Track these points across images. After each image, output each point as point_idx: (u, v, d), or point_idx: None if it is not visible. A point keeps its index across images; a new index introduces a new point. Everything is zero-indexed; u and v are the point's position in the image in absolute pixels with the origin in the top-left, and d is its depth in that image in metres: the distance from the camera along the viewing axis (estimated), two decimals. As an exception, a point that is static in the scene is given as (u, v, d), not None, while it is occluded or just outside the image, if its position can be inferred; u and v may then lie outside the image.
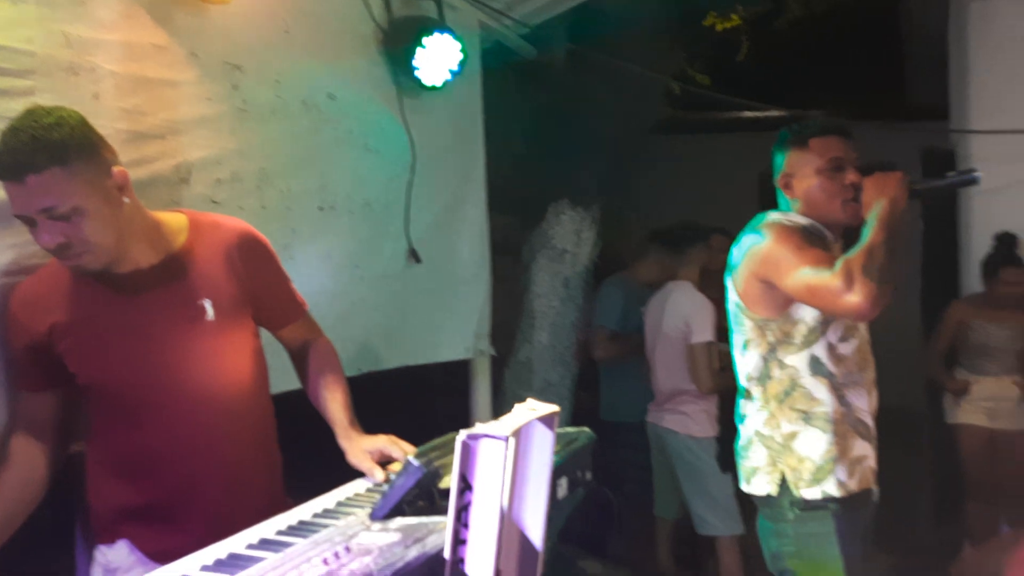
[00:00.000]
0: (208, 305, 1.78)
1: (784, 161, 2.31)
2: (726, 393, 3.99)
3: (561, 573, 4.09)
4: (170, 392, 1.74)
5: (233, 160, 2.36)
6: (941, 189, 2.23)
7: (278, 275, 1.98)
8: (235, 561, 1.31)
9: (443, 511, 1.53)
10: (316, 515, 1.54)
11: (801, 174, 2.26)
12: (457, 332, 3.68)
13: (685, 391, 3.88)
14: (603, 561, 4.24)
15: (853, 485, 2.15)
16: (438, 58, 3.06)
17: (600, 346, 4.33)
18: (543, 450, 1.46)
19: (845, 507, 2.12)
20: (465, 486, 1.27)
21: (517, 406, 1.46)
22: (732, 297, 2.28)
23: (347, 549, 1.23)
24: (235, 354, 1.84)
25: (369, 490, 1.73)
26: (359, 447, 1.85)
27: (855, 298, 1.94)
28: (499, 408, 4.20)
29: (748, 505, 4.14)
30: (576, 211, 4.19)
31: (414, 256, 3.28)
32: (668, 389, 3.95)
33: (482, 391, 4.00)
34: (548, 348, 4.26)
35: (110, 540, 1.80)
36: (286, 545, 1.34)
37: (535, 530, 1.48)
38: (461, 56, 3.12)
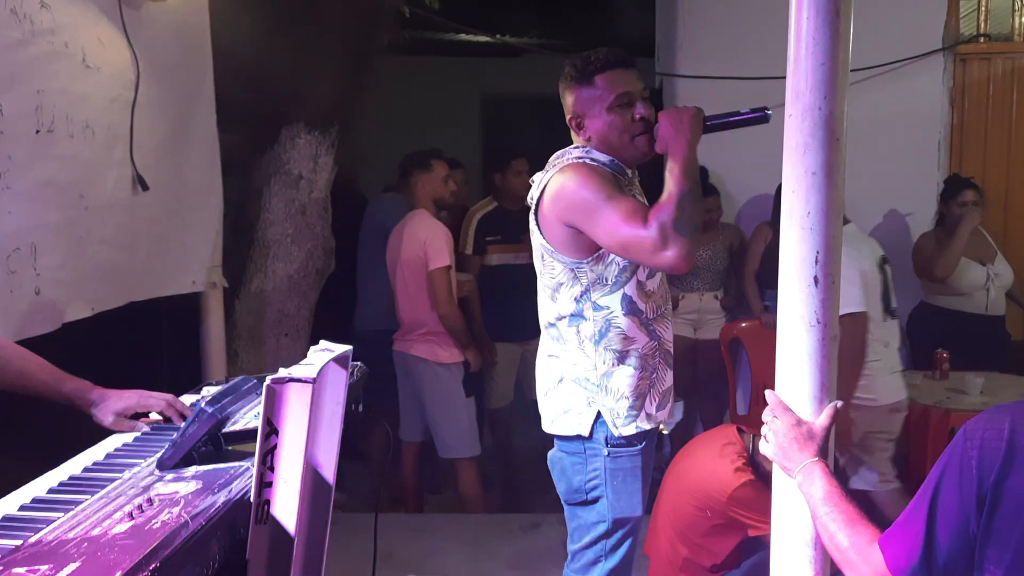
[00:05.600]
0: None
1: (572, 101, 2.21)
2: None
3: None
4: None
5: (-66, 77, 2.04)
6: (734, 124, 2.12)
7: None
8: (17, 524, 1.20)
9: (230, 456, 1.50)
10: (89, 469, 1.44)
11: (591, 113, 2.17)
12: (188, 263, 3.49)
13: (429, 318, 3.97)
14: (344, 489, 4.34)
15: (662, 416, 2.21)
16: (163, -34, 2.84)
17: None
18: (337, 389, 1.47)
19: (648, 439, 2.20)
20: (271, 430, 1.25)
21: (312, 348, 1.45)
22: (538, 240, 2.19)
23: (149, 501, 1.17)
24: None
25: (138, 439, 1.64)
26: (109, 409, 1.74)
27: (671, 254, 1.94)
28: (230, 342, 4.06)
29: (485, 427, 4.43)
30: (313, 135, 4.06)
31: (141, 183, 3.05)
32: (411, 317, 4.02)
33: (215, 325, 3.84)
34: (284, 278, 4.14)
35: None
36: (71, 503, 1.25)
37: (328, 467, 1.50)
38: (189, -35, 2.91)
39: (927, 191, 4.74)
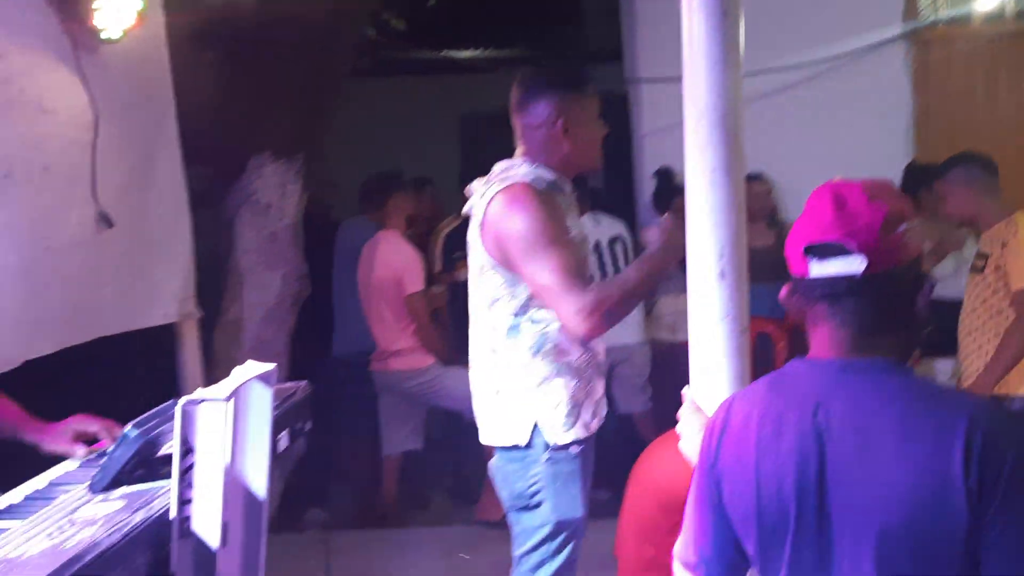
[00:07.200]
0: None
1: (559, 107, 2.23)
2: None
3: (288, 522, 4.18)
4: None
5: None
6: None
7: None
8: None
9: (164, 477, 1.55)
10: (29, 497, 1.50)
11: (579, 120, 2.25)
12: (158, 296, 3.55)
13: (402, 336, 4.03)
14: (328, 507, 4.39)
15: (595, 424, 2.27)
16: (115, 8, 2.91)
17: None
18: (262, 406, 1.52)
19: (586, 445, 2.25)
20: (187, 449, 1.31)
21: (235, 368, 1.51)
22: (479, 252, 2.22)
23: (71, 522, 1.23)
24: None
25: (82, 467, 1.70)
26: (52, 433, 1.83)
27: (586, 328, 2.05)
28: (211, 371, 4.11)
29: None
30: (279, 163, 4.13)
31: (105, 220, 3.12)
32: (385, 338, 4.09)
33: (191, 355, 3.89)
34: (258, 305, 4.21)
35: None
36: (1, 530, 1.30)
37: (259, 483, 1.55)
38: (140, 5, 2.98)
39: (894, 176, 4.78)
